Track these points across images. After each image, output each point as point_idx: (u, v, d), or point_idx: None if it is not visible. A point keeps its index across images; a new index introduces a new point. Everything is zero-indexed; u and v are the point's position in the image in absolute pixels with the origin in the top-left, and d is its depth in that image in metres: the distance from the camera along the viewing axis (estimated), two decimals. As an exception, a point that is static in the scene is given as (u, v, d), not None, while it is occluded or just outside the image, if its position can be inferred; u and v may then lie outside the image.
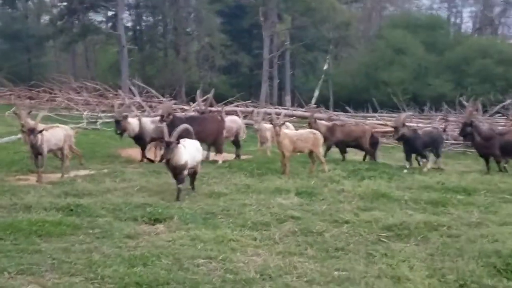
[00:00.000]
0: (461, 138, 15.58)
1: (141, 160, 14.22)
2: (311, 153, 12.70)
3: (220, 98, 28.56)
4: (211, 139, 14.19)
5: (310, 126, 14.94)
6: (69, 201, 9.03)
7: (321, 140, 12.86)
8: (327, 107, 35.64)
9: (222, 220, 8.41)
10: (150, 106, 27.38)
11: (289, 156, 12.49)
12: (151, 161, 14.15)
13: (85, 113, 24.30)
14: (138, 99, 27.89)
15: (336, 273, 6.25)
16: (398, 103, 29.78)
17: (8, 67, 38.33)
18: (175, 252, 6.77)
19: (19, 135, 14.84)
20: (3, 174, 11.57)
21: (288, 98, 41.17)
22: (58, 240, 7.25)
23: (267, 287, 5.88)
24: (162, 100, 29.45)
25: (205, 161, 13.80)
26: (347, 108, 31.43)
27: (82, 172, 12.26)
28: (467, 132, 13.27)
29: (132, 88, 29.18)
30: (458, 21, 56.00)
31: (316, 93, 40.94)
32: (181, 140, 9.74)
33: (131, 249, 6.92)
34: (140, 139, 14.24)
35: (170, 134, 9.55)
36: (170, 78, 38.56)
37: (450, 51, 41.10)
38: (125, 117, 13.89)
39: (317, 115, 17.62)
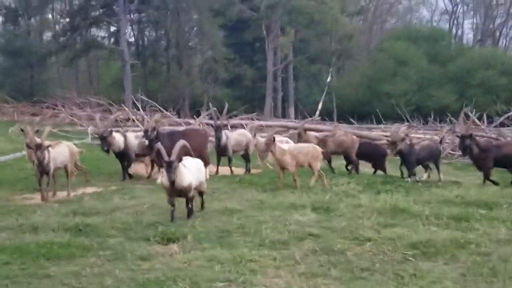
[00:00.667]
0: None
1: (149, 177, 13.90)
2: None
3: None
4: (195, 154, 13.48)
5: (299, 137, 14.53)
6: (77, 221, 8.68)
7: (320, 153, 12.53)
8: (331, 119, 35.47)
9: (238, 239, 8.04)
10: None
11: (295, 170, 12.13)
12: (130, 176, 13.80)
13: (89, 128, 23.98)
14: (142, 113, 27.74)
15: (365, 296, 5.88)
16: (402, 115, 29.63)
17: (10, 83, 38.15)
18: (192, 275, 6.39)
19: (24, 152, 14.47)
20: (8, 193, 11.24)
21: (292, 111, 40.99)
22: (67, 263, 6.88)
23: (293, 312, 5.50)
24: (166, 114, 29.27)
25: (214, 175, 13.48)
26: (351, 120, 31.21)
27: (90, 190, 11.93)
28: (467, 145, 12.77)
29: (136, 102, 28.92)
30: (459, 32, 55.89)
31: (320, 106, 40.74)
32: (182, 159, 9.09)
33: (145, 272, 6.54)
34: (124, 155, 13.70)
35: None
36: (174, 92, 38.36)
37: (453, 63, 41.08)
38: (110, 133, 13.37)
39: (307, 125, 17.38)
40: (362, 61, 45.73)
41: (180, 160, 8.76)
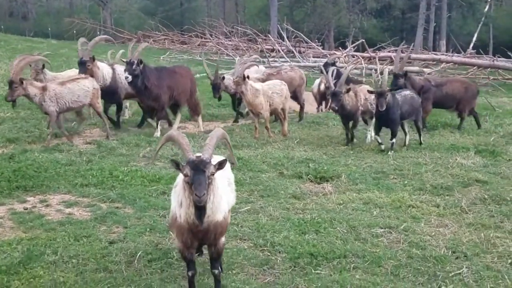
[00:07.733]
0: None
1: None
2: None
3: (370, 43, 27.16)
4: (186, 102, 11.02)
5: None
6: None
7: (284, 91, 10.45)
8: (486, 53, 32.90)
9: (396, 181, 7.53)
10: (300, 52, 26.68)
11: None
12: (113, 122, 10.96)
13: (237, 58, 24.05)
14: (287, 43, 27.35)
15: (548, 256, 5.18)
16: None
17: (161, 11, 39.26)
18: (349, 218, 6.04)
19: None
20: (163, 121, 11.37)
21: (443, 43, 38.53)
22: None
23: (464, 268, 4.94)
24: (311, 44, 28.61)
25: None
26: (509, 53, 28.66)
27: (241, 121, 11.84)
28: (400, 84, 10.69)
29: (282, 32, 28.54)
30: None
31: (475, 38, 37.87)
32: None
33: (299, 212, 6.30)
34: (111, 93, 10.75)
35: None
36: (319, 22, 37.42)
37: None
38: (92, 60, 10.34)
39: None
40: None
41: (220, 166, 4.06)
